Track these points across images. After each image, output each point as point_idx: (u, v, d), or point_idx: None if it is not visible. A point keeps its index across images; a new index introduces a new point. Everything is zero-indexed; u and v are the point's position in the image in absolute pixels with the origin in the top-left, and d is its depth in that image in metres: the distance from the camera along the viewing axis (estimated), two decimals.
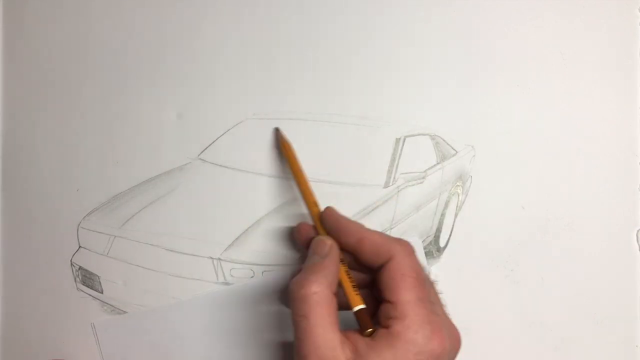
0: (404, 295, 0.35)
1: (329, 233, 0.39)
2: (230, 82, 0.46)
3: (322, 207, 0.41)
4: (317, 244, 0.38)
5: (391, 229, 0.44)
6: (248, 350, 0.45)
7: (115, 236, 0.46)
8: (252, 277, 0.44)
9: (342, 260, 0.38)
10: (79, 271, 0.47)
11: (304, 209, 0.44)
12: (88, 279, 0.47)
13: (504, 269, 0.44)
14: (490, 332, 0.44)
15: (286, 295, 0.37)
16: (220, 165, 0.46)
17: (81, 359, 0.47)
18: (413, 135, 0.45)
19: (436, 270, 0.44)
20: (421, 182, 0.45)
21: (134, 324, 0.46)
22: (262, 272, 0.44)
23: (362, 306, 0.36)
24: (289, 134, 0.45)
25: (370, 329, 0.35)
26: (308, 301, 0.34)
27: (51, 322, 0.47)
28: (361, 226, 0.39)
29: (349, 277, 0.37)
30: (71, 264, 0.47)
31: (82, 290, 0.47)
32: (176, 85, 0.46)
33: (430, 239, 0.45)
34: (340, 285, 0.37)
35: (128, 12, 0.47)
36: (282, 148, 0.44)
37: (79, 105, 0.47)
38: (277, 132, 0.44)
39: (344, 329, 0.35)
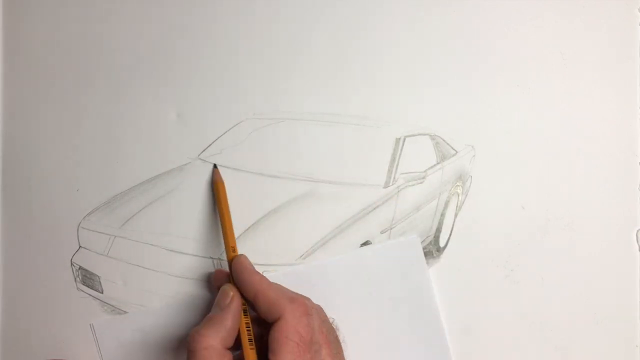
0: (283, 358, 0.35)
1: (235, 282, 0.40)
2: (230, 82, 0.46)
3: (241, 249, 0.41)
4: (220, 295, 0.39)
5: (391, 228, 0.44)
6: None
7: (115, 236, 0.46)
8: None
9: (245, 312, 0.39)
10: (79, 271, 0.47)
11: (303, 210, 0.44)
12: (88, 279, 0.46)
13: (504, 269, 0.44)
14: (490, 332, 0.44)
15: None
16: (221, 165, 0.46)
17: (81, 359, 0.47)
18: (413, 135, 0.45)
19: (436, 271, 0.44)
20: (421, 182, 0.45)
21: (133, 324, 0.46)
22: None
23: None
24: (289, 134, 0.45)
25: None
26: (197, 356, 0.36)
27: (51, 322, 0.47)
28: (261, 280, 0.39)
29: (248, 331, 0.38)
30: (71, 264, 0.47)
31: (82, 290, 0.47)
32: (176, 85, 0.46)
33: (430, 239, 0.45)
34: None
35: (128, 13, 0.47)
36: (214, 186, 0.44)
37: (79, 105, 0.47)
38: (214, 170, 0.45)
39: None
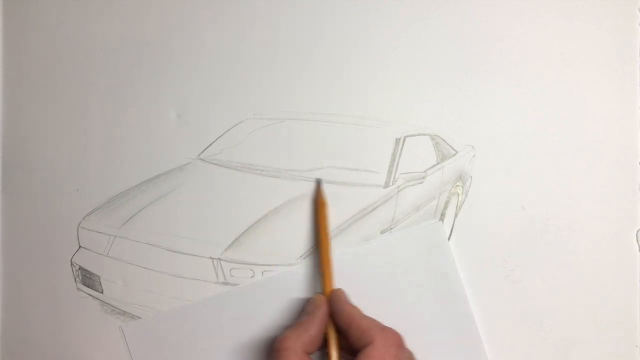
0: None
1: (332, 312, 0.40)
2: (230, 82, 0.46)
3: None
4: (308, 302, 0.41)
5: (391, 228, 0.44)
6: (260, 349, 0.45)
7: (115, 236, 0.46)
8: (252, 277, 0.44)
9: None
10: (79, 271, 0.47)
11: (303, 210, 0.44)
12: (88, 279, 0.47)
13: (504, 269, 0.44)
14: (491, 332, 0.44)
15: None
16: (220, 165, 0.46)
17: (82, 359, 0.47)
18: (413, 135, 0.45)
19: None
20: (421, 182, 0.45)
21: (161, 325, 0.45)
22: (262, 272, 0.44)
23: None
24: (289, 134, 0.45)
25: None
26: (277, 355, 0.37)
27: (51, 322, 0.47)
28: (357, 312, 0.40)
29: (337, 342, 0.39)
30: (71, 264, 0.47)
31: (82, 290, 0.47)
32: (176, 85, 0.46)
33: None
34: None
35: (128, 13, 0.47)
36: (316, 204, 0.44)
37: (79, 105, 0.47)
38: (317, 186, 0.44)
39: None
